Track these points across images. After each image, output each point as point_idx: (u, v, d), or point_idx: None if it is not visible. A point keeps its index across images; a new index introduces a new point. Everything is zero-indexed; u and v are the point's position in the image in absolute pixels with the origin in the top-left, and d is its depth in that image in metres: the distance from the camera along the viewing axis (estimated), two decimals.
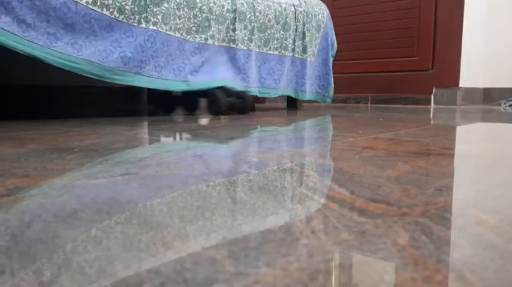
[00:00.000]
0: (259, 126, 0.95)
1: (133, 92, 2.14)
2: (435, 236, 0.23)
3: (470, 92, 2.31)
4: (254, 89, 1.50)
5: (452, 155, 0.53)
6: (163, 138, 0.72)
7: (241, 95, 1.46)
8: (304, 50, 1.70)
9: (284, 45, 1.61)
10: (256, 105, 1.79)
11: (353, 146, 0.61)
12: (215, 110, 1.39)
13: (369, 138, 0.72)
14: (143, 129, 0.87)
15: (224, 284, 0.18)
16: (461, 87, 2.21)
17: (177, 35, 1.22)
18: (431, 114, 1.49)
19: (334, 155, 0.53)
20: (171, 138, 0.73)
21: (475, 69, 2.35)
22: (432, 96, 2.26)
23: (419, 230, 0.24)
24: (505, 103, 2.32)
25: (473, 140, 0.72)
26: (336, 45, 1.88)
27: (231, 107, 1.43)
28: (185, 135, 0.79)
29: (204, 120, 1.15)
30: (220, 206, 0.29)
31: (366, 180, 0.38)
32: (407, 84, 2.32)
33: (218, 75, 1.36)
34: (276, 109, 1.84)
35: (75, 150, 0.55)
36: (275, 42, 1.57)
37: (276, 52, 1.59)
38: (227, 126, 0.95)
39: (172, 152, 0.56)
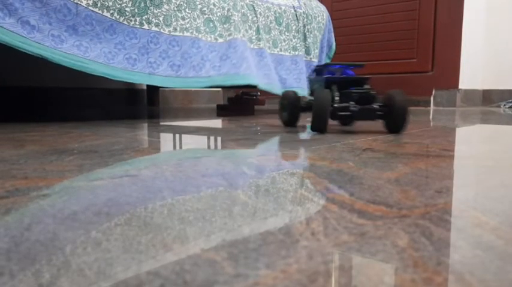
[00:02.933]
0: (259, 128, 0.95)
1: (134, 93, 2.14)
2: (435, 237, 0.23)
3: (469, 93, 2.31)
4: (277, 89, 1.50)
5: (452, 157, 0.53)
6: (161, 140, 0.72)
7: (380, 99, 0.85)
8: (308, 52, 1.70)
9: (292, 45, 1.61)
10: (255, 107, 1.79)
11: (352, 148, 0.61)
12: (315, 124, 0.80)
13: (369, 139, 0.72)
14: (143, 131, 0.87)
15: (224, 286, 0.17)
16: (460, 89, 2.21)
17: (187, 34, 1.21)
18: (430, 116, 1.49)
19: (334, 156, 0.53)
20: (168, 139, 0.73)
21: (475, 71, 2.35)
22: (432, 98, 2.26)
23: (419, 232, 0.24)
24: (504, 105, 2.33)
25: (473, 141, 0.72)
26: (334, 47, 1.88)
27: (359, 116, 0.83)
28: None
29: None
30: (220, 208, 0.29)
31: (365, 182, 0.38)
32: (407, 85, 2.32)
33: (241, 70, 1.31)
34: (275, 111, 1.84)
35: (75, 152, 0.55)
36: (283, 43, 1.57)
37: (287, 53, 1.59)
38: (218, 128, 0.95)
39: (169, 155, 0.56)
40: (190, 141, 0.70)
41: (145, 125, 1.02)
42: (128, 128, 0.89)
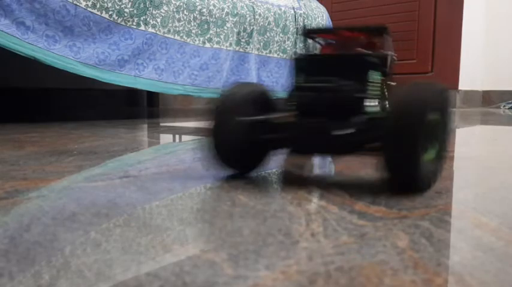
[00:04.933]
0: None
1: (133, 94, 2.14)
2: (435, 239, 0.23)
3: (469, 94, 2.31)
4: None
5: (451, 158, 0.53)
6: None
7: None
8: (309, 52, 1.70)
9: (283, 48, 1.61)
10: None
11: None
12: (209, 151, 0.38)
13: None
14: (143, 132, 0.87)
15: None
16: (460, 90, 2.21)
17: (177, 37, 1.21)
18: None
19: (334, 157, 0.53)
20: None
21: (475, 72, 2.35)
22: None
23: (419, 233, 0.24)
24: (504, 106, 2.33)
25: (473, 142, 0.72)
26: None
27: (298, 146, 0.37)
28: None
29: None
30: (219, 208, 0.29)
31: (365, 183, 0.38)
32: None
33: (211, 84, 1.33)
34: None
35: (75, 153, 0.55)
36: (275, 45, 1.57)
37: (275, 55, 1.59)
38: None
39: (168, 156, 0.56)
40: (190, 142, 0.70)
41: (145, 126, 1.02)
42: (127, 129, 0.89)
